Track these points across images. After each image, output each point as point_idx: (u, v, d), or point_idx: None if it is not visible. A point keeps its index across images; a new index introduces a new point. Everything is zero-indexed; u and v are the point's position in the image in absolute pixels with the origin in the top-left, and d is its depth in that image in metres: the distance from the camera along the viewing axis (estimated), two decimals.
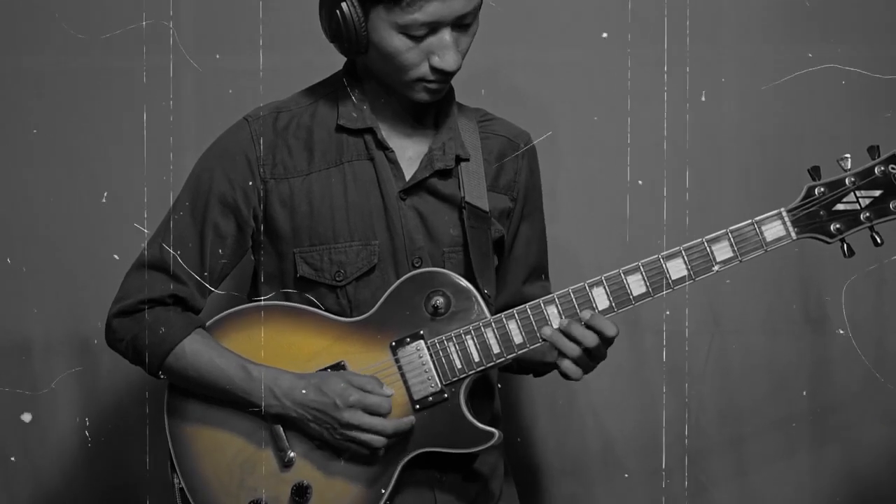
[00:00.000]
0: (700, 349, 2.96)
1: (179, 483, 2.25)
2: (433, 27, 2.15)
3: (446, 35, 2.16)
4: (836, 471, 2.95)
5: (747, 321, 2.96)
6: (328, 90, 2.33)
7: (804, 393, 2.95)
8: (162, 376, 2.27)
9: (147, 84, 2.92)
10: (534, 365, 2.43)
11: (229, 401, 2.23)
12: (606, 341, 2.18)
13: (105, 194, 2.88)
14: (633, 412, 2.96)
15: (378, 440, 2.17)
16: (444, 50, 2.17)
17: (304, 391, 2.19)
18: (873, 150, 2.14)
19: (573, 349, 2.16)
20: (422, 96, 2.24)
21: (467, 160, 2.32)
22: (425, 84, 2.21)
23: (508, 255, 2.44)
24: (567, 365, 2.18)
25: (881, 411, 2.96)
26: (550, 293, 2.46)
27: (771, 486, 2.96)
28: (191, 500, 2.25)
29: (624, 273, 2.17)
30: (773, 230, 2.14)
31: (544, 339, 2.18)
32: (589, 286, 2.18)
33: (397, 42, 2.16)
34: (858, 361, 2.95)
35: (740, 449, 2.96)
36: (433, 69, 2.19)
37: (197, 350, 2.23)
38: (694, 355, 2.96)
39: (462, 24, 2.18)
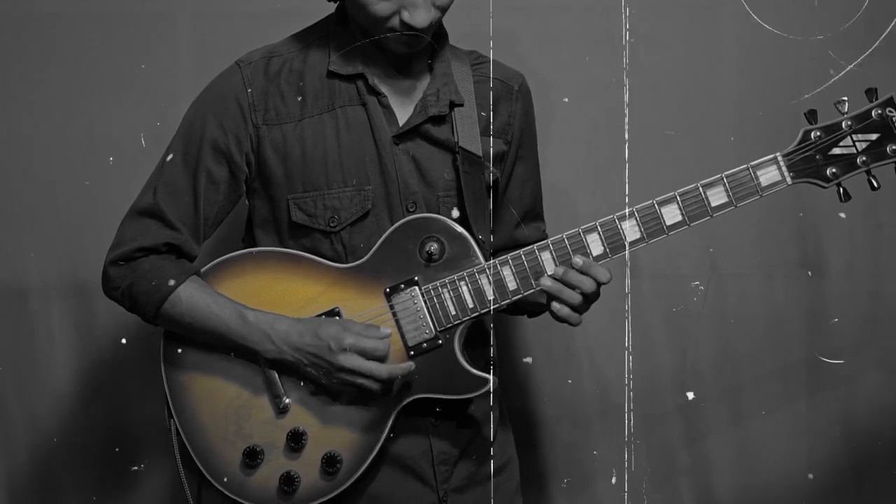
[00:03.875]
0: (697, 292, 2.95)
1: (176, 429, 2.26)
2: None
3: None
4: (833, 410, 2.96)
5: (744, 264, 2.95)
6: (319, 34, 2.32)
7: (801, 337, 2.95)
8: (159, 324, 2.27)
9: (145, 28, 2.91)
10: (528, 306, 2.42)
11: (226, 347, 2.23)
12: (599, 286, 2.19)
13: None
14: (631, 356, 2.95)
15: (373, 384, 2.18)
16: (413, 7, 2.16)
17: (300, 335, 2.19)
18: (871, 93, 2.13)
19: (574, 297, 2.16)
20: (397, 48, 2.23)
21: (461, 105, 2.30)
22: (399, 36, 2.20)
23: (502, 197, 2.43)
24: (567, 312, 2.17)
25: (878, 355, 2.95)
26: (545, 233, 2.47)
27: (768, 428, 2.97)
28: (188, 445, 2.25)
29: (618, 219, 2.16)
30: (769, 175, 2.13)
31: (545, 292, 2.17)
32: (583, 232, 2.17)
33: None
34: (855, 305, 2.95)
35: (737, 393, 2.96)
36: (403, 23, 2.17)
37: (192, 297, 2.22)
38: (691, 298, 2.96)
39: None
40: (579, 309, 2.18)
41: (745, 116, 2.91)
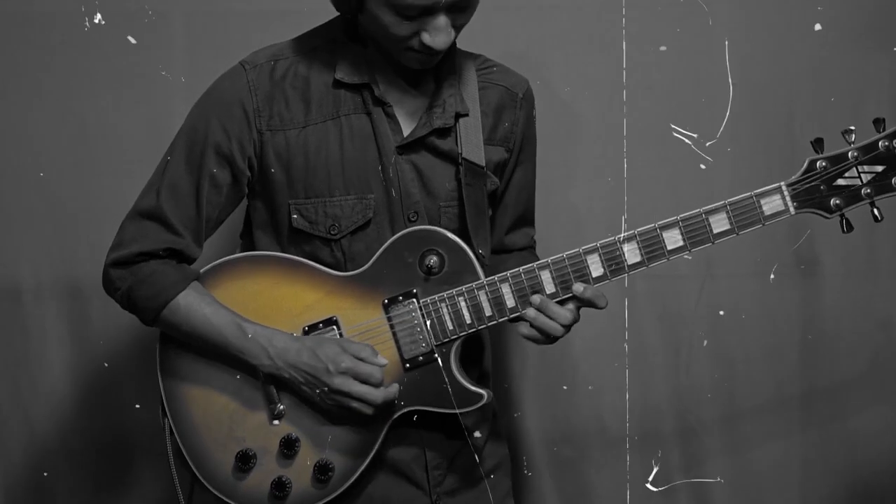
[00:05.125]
0: (691, 293, 2.96)
1: (170, 428, 2.26)
2: (428, 10, 2.11)
3: (441, 18, 2.12)
4: (828, 417, 2.97)
5: (740, 265, 2.95)
6: (326, 39, 2.29)
7: (796, 339, 2.96)
8: (157, 327, 2.27)
9: (141, 28, 2.88)
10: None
11: (223, 357, 2.23)
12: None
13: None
14: (625, 360, 2.97)
15: (366, 409, 2.18)
16: (435, 31, 2.13)
17: (297, 353, 2.19)
18: (878, 123, 2.11)
19: (557, 329, 2.19)
20: (412, 64, 2.20)
21: (466, 115, 2.29)
22: (417, 55, 2.18)
23: (500, 201, 2.43)
24: (527, 332, 2.21)
25: (874, 356, 2.97)
26: (533, 239, 2.47)
27: (763, 434, 2.98)
28: (181, 446, 2.26)
29: (620, 241, 2.15)
30: (772, 204, 2.12)
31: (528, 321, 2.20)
32: (584, 252, 2.16)
33: (389, 17, 2.12)
34: (850, 305, 2.96)
35: (732, 393, 2.97)
36: (422, 44, 2.15)
37: (191, 305, 2.22)
38: (685, 299, 2.96)
39: (459, 6, 2.13)
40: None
41: (741, 115, 2.89)
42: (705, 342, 2.96)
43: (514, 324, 2.46)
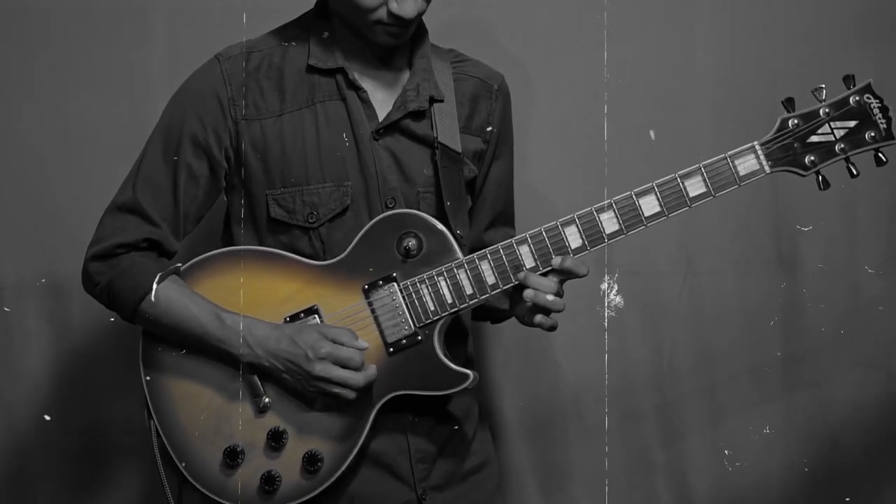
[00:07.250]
0: (673, 289, 2.94)
1: (156, 429, 2.24)
2: None
3: None
4: (809, 409, 2.95)
5: (721, 260, 2.94)
6: (299, 30, 2.30)
7: (777, 333, 2.94)
8: (137, 323, 2.26)
9: (120, 23, 2.89)
10: (492, 312, 2.44)
11: (203, 348, 2.22)
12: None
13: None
14: (608, 353, 2.94)
15: (348, 393, 2.17)
16: None
17: (276, 341, 2.18)
18: (848, 80, 2.13)
19: (558, 303, 2.17)
20: (383, 39, 2.21)
21: (441, 101, 2.29)
22: (385, 27, 2.18)
23: (478, 197, 2.43)
24: (540, 319, 2.19)
25: (854, 350, 2.95)
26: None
27: (744, 425, 2.95)
28: (168, 446, 2.23)
29: (596, 211, 2.15)
30: (747, 164, 2.12)
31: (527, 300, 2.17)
32: (561, 225, 2.16)
33: None
34: (831, 300, 2.94)
35: (713, 389, 2.95)
36: (391, 14, 2.16)
37: (170, 297, 2.21)
38: (667, 295, 2.95)
39: None
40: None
41: (722, 111, 2.90)
42: (686, 337, 2.95)
43: (518, 319, 2.45)
